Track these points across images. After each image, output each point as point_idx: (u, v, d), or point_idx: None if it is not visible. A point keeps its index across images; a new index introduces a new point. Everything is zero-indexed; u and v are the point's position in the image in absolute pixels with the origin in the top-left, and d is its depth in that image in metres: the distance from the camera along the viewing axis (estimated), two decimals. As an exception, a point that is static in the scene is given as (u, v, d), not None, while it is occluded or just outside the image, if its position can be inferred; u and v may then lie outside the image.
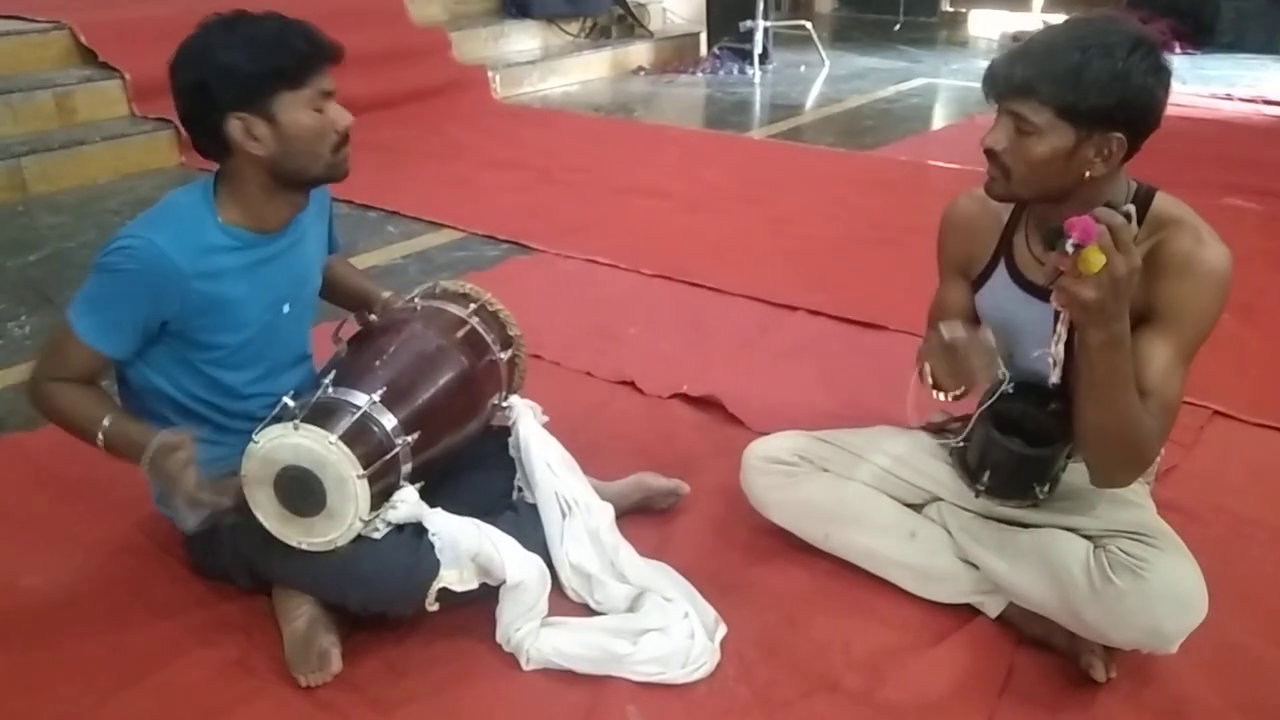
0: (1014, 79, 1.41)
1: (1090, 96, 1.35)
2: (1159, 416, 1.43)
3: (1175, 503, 1.94)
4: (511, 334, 1.89)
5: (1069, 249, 1.25)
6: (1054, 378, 1.43)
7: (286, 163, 1.55)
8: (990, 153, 1.46)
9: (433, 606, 1.57)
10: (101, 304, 1.54)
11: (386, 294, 1.90)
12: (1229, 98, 5.71)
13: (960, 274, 1.73)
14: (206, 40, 1.51)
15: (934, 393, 1.61)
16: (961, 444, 1.64)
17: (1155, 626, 1.46)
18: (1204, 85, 5.96)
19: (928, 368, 1.61)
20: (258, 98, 1.51)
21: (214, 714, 1.53)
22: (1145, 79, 1.36)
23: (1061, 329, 1.39)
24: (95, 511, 1.99)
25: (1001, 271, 1.64)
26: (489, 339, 1.82)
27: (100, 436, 1.54)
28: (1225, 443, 2.26)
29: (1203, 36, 7.39)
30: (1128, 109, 1.37)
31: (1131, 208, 1.30)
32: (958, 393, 1.59)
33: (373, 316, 1.79)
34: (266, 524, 1.54)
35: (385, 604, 1.60)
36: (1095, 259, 1.24)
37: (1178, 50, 7.18)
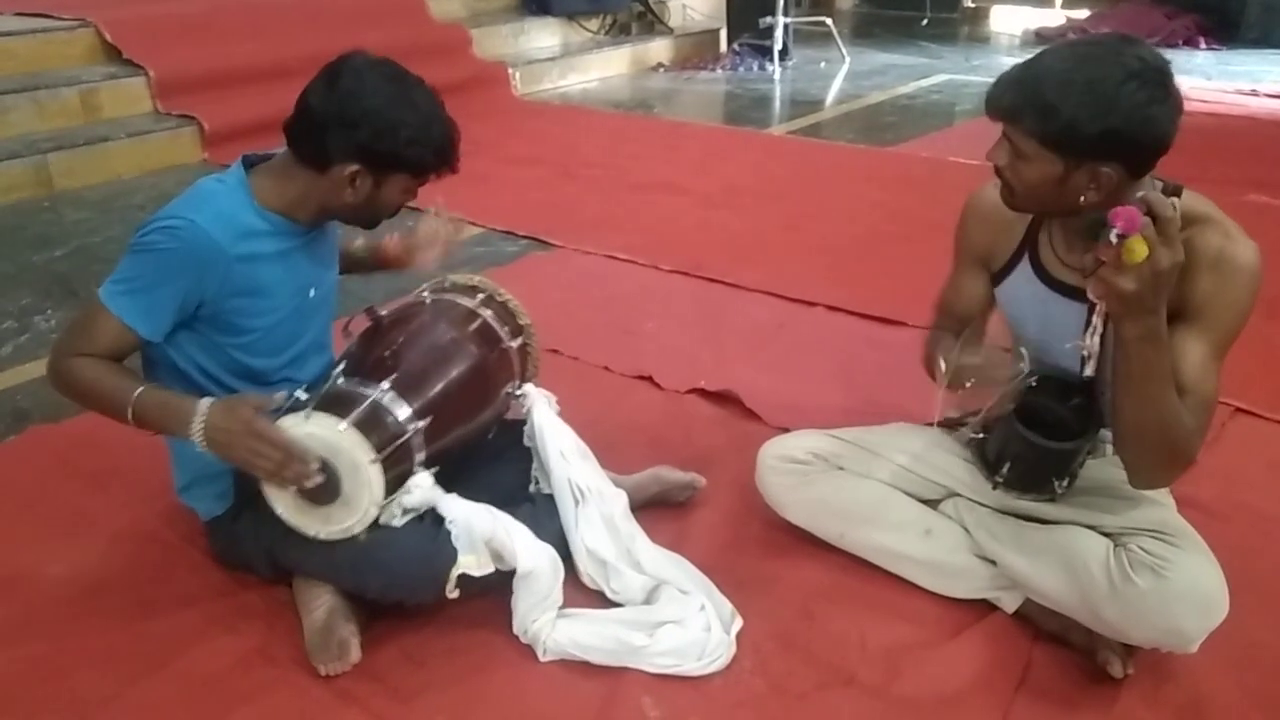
0: (1003, 104, 1.40)
1: (1071, 130, 1.33)
2: (1197, 413, 1.42)
3: (1196, 500, 1.92)
4: (522, 323, 1.89)
5: (1113, 239, 1.23)
6: (1088, 370, 1.41)
7: (350, 213, 1.63)
8: (995, 167, 1.47)
9: (453, 594, 1.58)
10: (141, 282, 1.53)
11: (358, 241, 1.93)
12: (1254, 93, 5.64)
13: (979, 264, 1.72)
14: (389, 90, 1.55)
15: (946, 390, 1.60)
16: (981, 435, 1.63)
17: (1175, 626, 1.45)
18: (1229, 81, 5.89)
19: (942, 365, 1.60)
20: (386, 169, 1.57)
21: (235, 702, 1.54)
22: (1135, 111, 1.30)
23: (1097, 321, 1.37)
24: (118, 502, 2.02)
25: (1025, 266, 1.62)
26: (499, 329, 1.82)
27: (131, 408, 1.49)
28: (1247, 439, 2.25)
29: (1228, 32, 7.33)
30: (1113, 141, 1.33)
31: (1177, 200, 1.28)
32: (974, 410, 1.58)
33: (382, 311, 1.81)
34: (284, 517, 1.55)
35: (405, 591, 1.61)
36: (1139, 249, 1.23)
37: (1203, 46, 7.12)
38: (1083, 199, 1.40)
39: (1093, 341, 1.39)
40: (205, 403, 1.49)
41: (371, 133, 1.53)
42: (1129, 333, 1.32)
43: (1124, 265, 1.24)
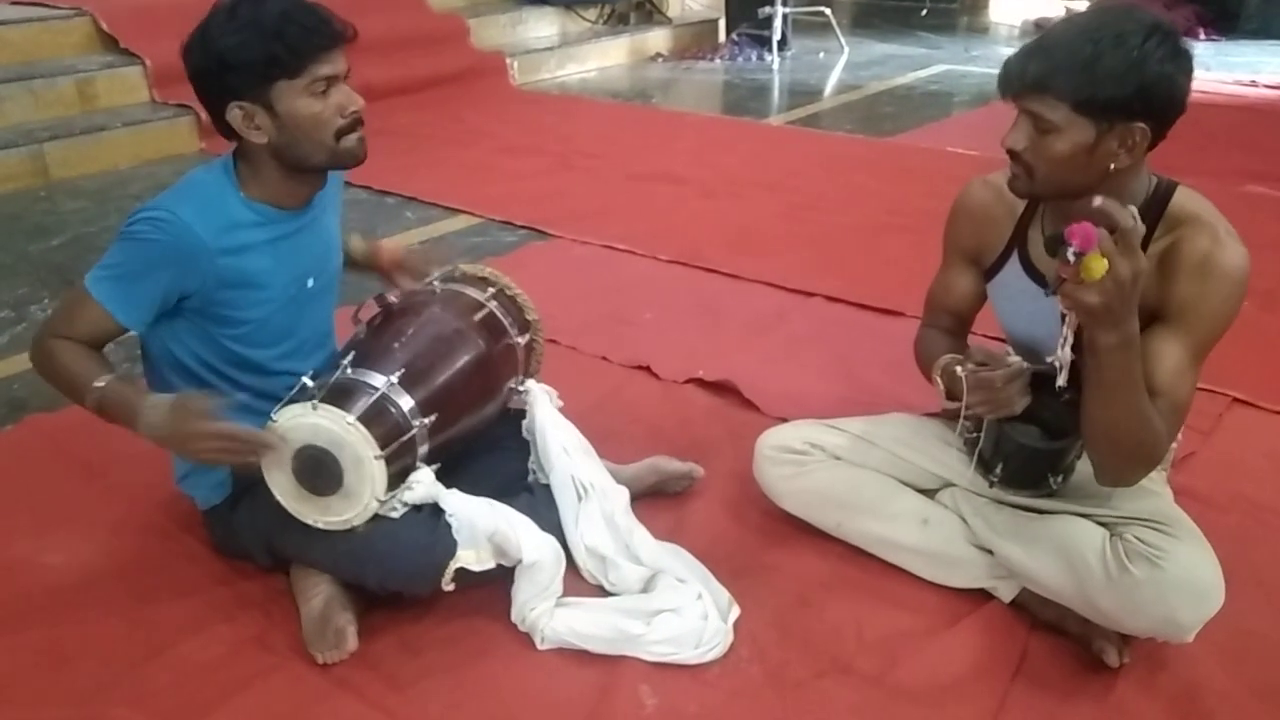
0: (1028, 76, 1.38)
1: (1106, 87, 1.33)
2: (1168, 417, 1.42)
3: (1193, 490, 1.93)
4: (529, 319, 1.90)
5: (1070, 257, 1.23)
6: (1060, 380, 1.42)
7: (289, 151, 1.57)
8: (1012, 152, 1.44)
9: (449, 586, 1.58)
10: (123, 271, 1.54)
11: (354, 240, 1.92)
12: (1253, 84, 5.65)
13: (968, 262, 1.72)
14: (208, 27, 1.52)
15: (945, 400, 1.60)
16: (975, 435, 1.63)
17: (1171, 616, 1.46)
18: (1228, 72, 5.89)
19: (938, 377, 1.60)
20: (255, 86, 1.51)
21: (232, 690, 1.55)
22: (1163, 65, 1.32)
23: (1068, 332, 1.37)
24: (116, 491, 2.02)
25: (1014, 263, 1.62)
26: (506, 323, 1.83)
27: (92, 395, 1.49)
28: (1244, 430, 2.25)
29: (1227, 23, 7.33)
30: (1147, 97, 1.34)
31: (1134, 209, 1.27)
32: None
33: (392, 298, 1.80)
34: (284, 502, 1.55)
35: (402, 583, 1.61)
36: (1097, 266, 1.22)
37: (1202, 37, 7.11)
38: (1113, 165, 1.39)
39: (1064, 352, 1.39)
40: (149, 402, 1.48)
41: (214, 64, 1.50)
42: (1101, 342, 1.32)
43: (1085, 281, 1.24)
